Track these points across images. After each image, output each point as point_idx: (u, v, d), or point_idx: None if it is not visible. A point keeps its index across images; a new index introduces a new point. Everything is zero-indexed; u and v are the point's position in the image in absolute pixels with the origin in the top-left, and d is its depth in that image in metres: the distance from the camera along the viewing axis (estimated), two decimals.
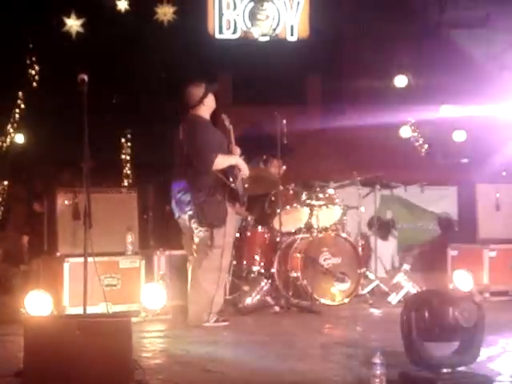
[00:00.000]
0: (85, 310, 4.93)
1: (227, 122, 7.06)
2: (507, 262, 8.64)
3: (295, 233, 8.55)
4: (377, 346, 5.32)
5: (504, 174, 11.97)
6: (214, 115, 7.19)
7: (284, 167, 8.50)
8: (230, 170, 6.82)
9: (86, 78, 5.25)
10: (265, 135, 11.27)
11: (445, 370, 4.33)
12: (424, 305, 4.35)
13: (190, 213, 6.77)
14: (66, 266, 6.90)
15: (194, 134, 6.77)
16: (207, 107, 6.97)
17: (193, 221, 6.78)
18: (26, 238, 9.72)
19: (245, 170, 6.93)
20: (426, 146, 15.06)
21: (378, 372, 4.08)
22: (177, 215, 6.95)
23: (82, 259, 5.09)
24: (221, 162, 6.75)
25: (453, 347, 4.47)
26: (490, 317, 5.26)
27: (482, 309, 4.41)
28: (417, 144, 15.28)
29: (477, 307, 4.36)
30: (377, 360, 4.09)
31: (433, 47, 15.19)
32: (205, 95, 6.94)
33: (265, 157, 9.14)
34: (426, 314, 4.30)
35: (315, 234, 8.37)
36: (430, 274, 9.31)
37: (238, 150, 7.03)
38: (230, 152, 6.95)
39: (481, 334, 4.43)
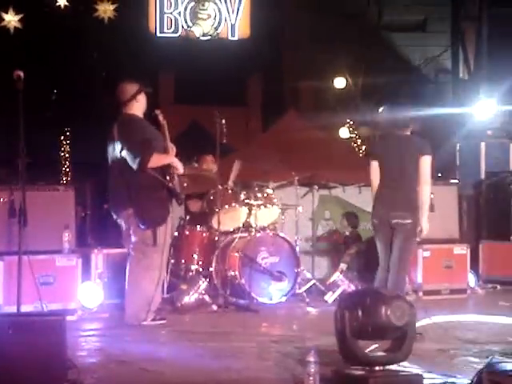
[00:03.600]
0: (18, 308, 4.89)
1: (161, 118, 7.01)
2: (440, 262, 8.83)
3: (233, 232, 8.58)
4: (312, 345, 5.39)
5: (439, 175, 12.19)
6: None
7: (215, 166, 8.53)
8: (166, 169, 6.80)
9: (22, 74, 5.20)
10: (205, 134, 11.29)
11: (377, 368, 4.40)
12: (357, 304, 4.42)
13: (129, 212, 6.73)
14: (0, 264, 6.80)
15: (127, 133, 6.71)
16: (140, 104, 6.92)
17: (131, 219, 6.75)
18: None
19: (179, 168, 6.90)
20: (364, 147, 15.27)
21: (312, 370, 4.14)
22: (115, 215, 6.91)
23: (17, 257, 5.05)
24: (155, 160, 6.70)
25: (385, 345, 4.55)
26: (423, 316, 5.39)
27: (413, 308, 4.50)
28: (355, 145, 15.49)
29: (409, 306, 4.44)
30: (311, 358, 4.15)
31: (371, 49, 15.39)
32: (138, 92, 6.90)
33: (196, 157, 9.14)
34: (360, 313, 4.37)
35: (253, 234, 8.41)
36: (367, 273, 9.42)
37: (172, 147, 7.01)
38: (165, 149, 6.93)
39: (412, 332, 4.52)
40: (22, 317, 4.60)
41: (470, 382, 4.30)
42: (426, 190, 6.43)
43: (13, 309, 5.81)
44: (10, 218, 6.81)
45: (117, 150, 6.76)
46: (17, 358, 4.16)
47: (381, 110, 6.81)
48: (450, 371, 4.87)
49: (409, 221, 6.39)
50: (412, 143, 6.50)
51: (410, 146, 6.48)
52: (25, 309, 5.08)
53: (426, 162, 6.41)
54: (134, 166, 6.65)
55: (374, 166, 6.60)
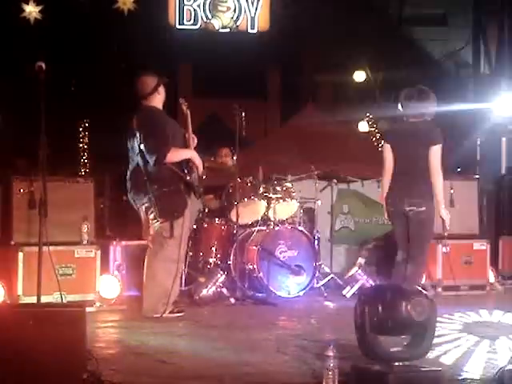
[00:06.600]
0: (38, 299, 4.90)
1: (184, 107, 7.00)
2: (460, 258, 8.76)
3: (252, 225, 8.57)
4: (330, 339, 5.37)
5: (459, 170, 12.13)
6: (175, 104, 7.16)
7: (234, 157, 8.50)
8: (185, 163, 6.78)
9: (43, 65, 5.19)
10: (223, 127, 11.28)
11: (396, 363, 4.37)
12: (377, 298, 4.39)
13: (147, 204, 6.73)
14: (20, 254, 6.82)
15: (147, 127, 6.71)
16: (161, 97, 6.90)
17: (149, 212, 6.75)
18: None
19: (199, 165, 6.89)
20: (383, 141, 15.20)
21: (331, 365, 4.11)
22: (134, 207, 6.91)
23: (36, 248, 5.05)
24: (174, 155, 6.69)
25: (405, 341, 4.53)
26: (442, 311, 5.35)
27: (433, 303, 4.46)
28: (374, 139, 15.44)
29: (429, 301, 4.41)
30: (330, 353, 4.12)
31: (392, 43, 15.32)
32: (159, 84, 6.88)
33: (215, 150, 9.12)
34: (380, 308, 4.34)
35: (272, 227, 8.40)
36: (385, 267, 9.39)
37: (194, 138, 6.99)
38: (186, 140, 6.91)
39: (432, 328, 4.49)
40: (42, 308, 4.60)
41: (491, 378, 4.27)
42: (437, 180, 6.36)
43: (32, 299, 5.83)
44: (29, 209, 6.84)
45: (136, 142, 6.76)
46: (36, 348, 4.16)
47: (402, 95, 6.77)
48: (470, 367, 4.85)
49: (423, 208, 6.35)
50: (423, 131, 6.45)
51: (420, 134, 6.44)
52: (44, 300, 5.08)
53: (435, 152, 6.35)
54: (151, 161, 6.64)
55: (388, 148, 6.59)
